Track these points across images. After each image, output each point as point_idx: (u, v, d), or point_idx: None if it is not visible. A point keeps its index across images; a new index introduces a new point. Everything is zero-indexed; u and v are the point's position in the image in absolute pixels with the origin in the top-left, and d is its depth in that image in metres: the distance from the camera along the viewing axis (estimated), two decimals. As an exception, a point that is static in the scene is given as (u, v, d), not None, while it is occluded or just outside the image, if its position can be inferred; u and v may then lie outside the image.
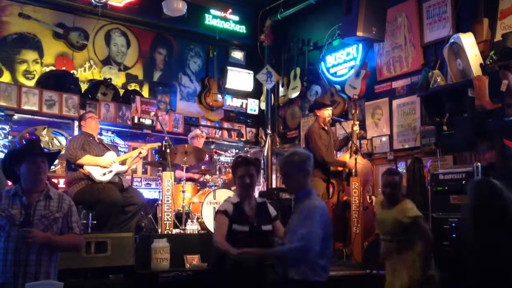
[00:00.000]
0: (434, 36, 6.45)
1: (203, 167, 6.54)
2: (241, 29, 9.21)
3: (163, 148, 5.87)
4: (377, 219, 4.25)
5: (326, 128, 6.21)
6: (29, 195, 3.03)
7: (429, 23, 6.55)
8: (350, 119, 7.52)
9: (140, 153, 5.72)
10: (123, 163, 5.52)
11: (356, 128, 6.25)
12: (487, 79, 5.36)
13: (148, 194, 7.26)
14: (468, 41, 5.62)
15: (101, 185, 5.12)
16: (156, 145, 5.97)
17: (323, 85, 8.22)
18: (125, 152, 6.60)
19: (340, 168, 6.10)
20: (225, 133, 8.85)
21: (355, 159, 5.90)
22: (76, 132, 6.93)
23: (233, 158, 7.26)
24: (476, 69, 5.53)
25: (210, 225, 5.82)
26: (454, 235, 4.76)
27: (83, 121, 5.55)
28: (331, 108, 6.38)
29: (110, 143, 6.19)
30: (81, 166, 5.13)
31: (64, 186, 6.36)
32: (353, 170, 5.84)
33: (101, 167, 5.21)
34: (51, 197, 3.08)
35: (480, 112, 5.31)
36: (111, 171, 5.25)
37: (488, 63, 5.51)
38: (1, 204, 3.00)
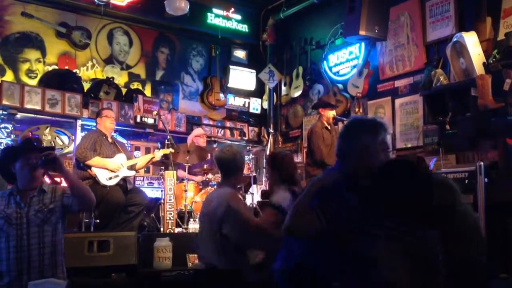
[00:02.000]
0: (437, 35, 6.43)
1: (205, 166, 6.55)
2: (244, 28, 9.20)
3: (166, 147, 5.88)
4: None
5: (329, 127, 6.20)
6: (24, 193, 3.05)
7: (432, 22, 6.53)
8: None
9: (153, 157, 5.71)
10: (132, 167, 5.50)
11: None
12: (490, 78, 5.35)
13: (151, 193, 7.26)
14: (471, 40, 5.60)
15: (106, 188, 5.11)
16: (168, 151, 5.93)
17: (325, 84, 8.21)
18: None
19: None
20: (228, 132, 8.85)
21: None
22: (78, 132, 6.95)
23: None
24: (479, 68, 5.52)
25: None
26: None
27: (99, 118, 5.49)
28: (335, 109, 6.37)
29: (123, 144, 6.09)
30: (90, 166, 5.12)
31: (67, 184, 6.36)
32: None
33: (108, 171, 5.19)
34: (45, 190, 3.10)
35: (483, 111, 5.30)
36: (117, 176, 5.23)
37: (491, 62, 5.49)
38: None
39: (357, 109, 6.39)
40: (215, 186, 6.22)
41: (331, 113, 6.22)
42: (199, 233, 3.35)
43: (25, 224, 2.98)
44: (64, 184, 6.44)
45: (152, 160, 5.74)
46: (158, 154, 5.80)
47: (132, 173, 5.53)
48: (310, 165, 6.06)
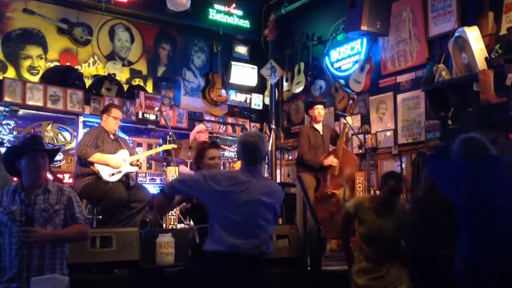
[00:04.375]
0: (439, 30, 6.42)
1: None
2: (245, 23, 9.19)
3: (167, 143, 5.87)
4: (373, 227, 3.92)
5: (317, 127, 6.16)
6: (29, 191, 3.06)
7: (434, 16, 6.51)
8: (354, 114, 7.51)
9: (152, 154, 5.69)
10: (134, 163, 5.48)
11: (349, 119, 6.21)
12: (492, 73, 5.33)
13: (153, 189, 7.26)
14: (473, 35, 5.59)
15: (108, 184, 5.10)
16: (169, 146, 5.90)
17: (327, 79, 8.20)
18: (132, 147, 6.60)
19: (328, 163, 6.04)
20: (229, 128, 8.84)
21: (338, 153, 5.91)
22: (80, 128, 6.95)
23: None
24: (481, 63, 5.50)
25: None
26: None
27: (106, 115, 5.36)
28: (321, 106, 6.25)
29: (125, 140, 6.04)
30: (92, 163, 5.11)
31: (69, 181, 6.38)
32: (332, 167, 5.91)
33: (110, 167, 5.17)
34: (50, 190, 3.10)
35: (485, 106, 5.29)
36: (120, 172, 5.21)
37: (493, 57, 5.47)
38: (3, 202, 3.04)
39: (348, 107, 6.38)
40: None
41: (316, 111, 6.11)
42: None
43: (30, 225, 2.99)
44: (67, 180, 6.49)
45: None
46: (159, 149, 5.79)
47: (135, 169, 5.52)
48: (296, 164, 6.13)
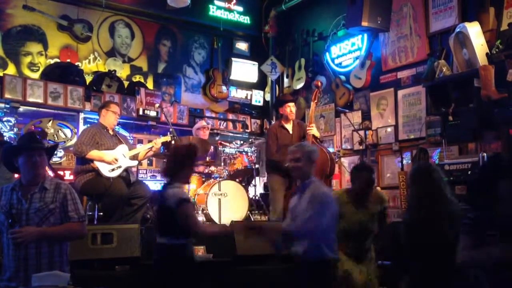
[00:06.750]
0: (440, 25, 6.40)
1: (208, 158, 6.55)
2: (246, 20, 9.18)
3: (168, 140, 5.86)
4: (353, 221, 3.92)
5: (287, 126, 5.99)
6: (26, 189, 3.04)
7: (434, 12, 6.49)
8: (355, 110, 7.51)
9: (153, 146, 5.67)
10: (135, 157, 5.48)
11: (312, 107, 6.04)
12: (493, 69, 5.32)
13: (154, 186, 7.28)
14: (474, 31, 5.57)
15: (109, 180, 5.10)
16: (168, 138, 5.91)
17: (328, 76, 8.19)
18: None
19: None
20: (230, 124, 8.85)
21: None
22: (81, 125, 6.95)
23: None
24: (482, 59, 5.49)
25: (215, 216, 5.85)
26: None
27: (104, 110, 5.40)
28: (293, 103, 6.10)
29: (124, 136, 6.03)
30: (92, 160, 5.10)
31: (70, 178, 6.39)
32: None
33: (106, 163, 5.16)
34: (47, 188, 3.08)
35: (486, 102, 5.28)
36: (120, 167, 5.20)
37: (494, 52, 5.46)
38: (1, 200, 3.04)
39: (316, 100, 6.25)
40: (218, 178, 6.23)
41: (288, 109, 5.95)
42: None
43: (24, 221, 2.96)
44: (68, 177, 6.48)
45: (153, 149, 5.68)
46: (158, 141, 5.78)
47: (134, 162, 5.51)
48: (266, 165, 6.08)
